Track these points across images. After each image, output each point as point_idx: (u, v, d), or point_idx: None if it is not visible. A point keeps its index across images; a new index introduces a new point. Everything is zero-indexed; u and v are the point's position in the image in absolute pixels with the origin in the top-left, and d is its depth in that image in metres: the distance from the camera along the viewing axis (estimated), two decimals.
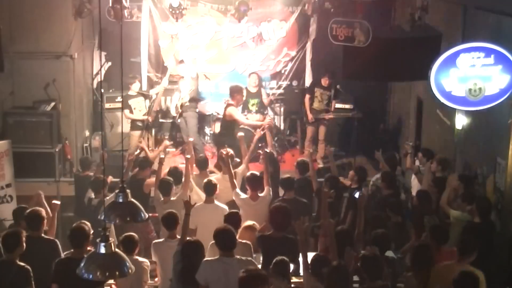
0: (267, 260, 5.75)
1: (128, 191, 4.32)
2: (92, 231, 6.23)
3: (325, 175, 10.19)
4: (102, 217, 4.23)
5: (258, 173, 7.78)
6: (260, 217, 7.15)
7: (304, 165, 8.40)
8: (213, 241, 6.42)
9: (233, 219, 6.47)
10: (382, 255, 5.95)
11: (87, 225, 6.20)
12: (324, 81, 11.33)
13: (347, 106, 12.10)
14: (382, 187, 8.13)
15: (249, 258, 5.85)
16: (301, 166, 8.41)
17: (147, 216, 4.36)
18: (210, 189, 7.39)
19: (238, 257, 5.76)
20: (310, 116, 11.42)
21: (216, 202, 7.41)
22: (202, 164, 8.49)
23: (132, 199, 4.32)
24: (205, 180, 7.55)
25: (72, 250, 5.97)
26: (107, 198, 6.32)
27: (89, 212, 7.43)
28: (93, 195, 7.92)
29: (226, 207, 7.34)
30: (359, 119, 11.07)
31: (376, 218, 7.01)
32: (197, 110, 11.53)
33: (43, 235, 6.43)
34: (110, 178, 8.07)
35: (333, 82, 11.36)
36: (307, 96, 11.47)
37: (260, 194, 7.55)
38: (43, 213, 6.47)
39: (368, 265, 5.57)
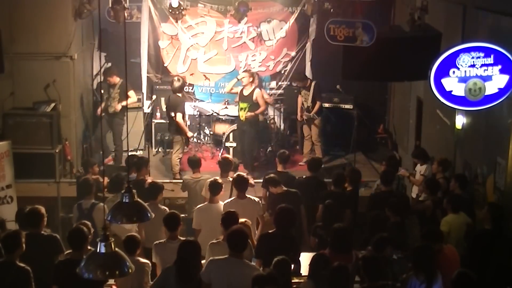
0: (268, 258, 5.76)
1: (134, 191, 4.33)
2: (92, 230, 6.26)
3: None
4: (109, 218, 4.24)
5: (244, 175, 7.79)
6: (248, 215, 7.12)
7: (316, 163, 8.56)
8: (213, 241, 6.46)
9: (230, 218, 6.48)
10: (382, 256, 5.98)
11: (87, 225, 6.21)
12: (298, 83, 11.44)
13: (347, 106, 12.13)
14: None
15: (256, 266, 5.89)
16: (312, 164, 8.58)
17: (153, 215, 4.38)
18: (215, 188, 7.41)
19: (245, 261, 5.80)
20: (299, 115, 11.49)
21: (220, 202, 7.41)
22: (194, 164, 8.47)
23: (138, 199, 4.34)
24: (211, 179, 7.56)
25: (70, 251, 5.98)
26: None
27: (83, 217, 7.20)
28: (82, 200, 7.56)
29: None
30: (359, 119, 11.06)
31: (375, 218, 7.02)
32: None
33: (43, 232, 6.45)
34: (106, 179, 8.05)
35: (310, 82, 11.34)
36: (300, 97, 11.50)
37: (248, 196, 7.56)
38: (43, 210, 6.49)
39: (368, 266, 5.58)
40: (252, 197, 7.54)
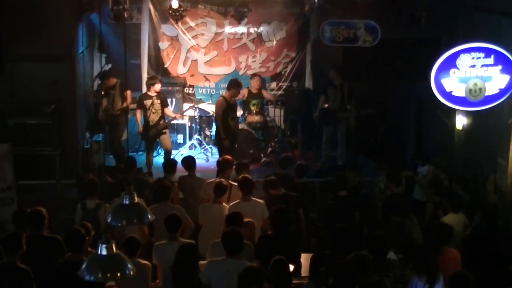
0: (267, 259, 5.76)
1: (134, 193, 4.32)
2: (93, 232, 6.25)
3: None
4: (109, 220, 4.23)
5: (249, 176, 7.73)
6: (253, 218, 7.10)
7: (286, 161, 8.47)
8: (214, 240, 6.47)
9: (234, 219, 6.47)
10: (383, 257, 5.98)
11: (85, 226, 6.21)
12: (333, 76, 10.91)
13: (347, 107, 12.11)
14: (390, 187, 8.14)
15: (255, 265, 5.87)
16: (284, 161, 8.50)
17: (153, 217, 4.38)
18: (219, 190, 7.40)
19: (244, 261, 5.79)
20: (315, 114, 11.37)
21: (224, 204, 7.41)
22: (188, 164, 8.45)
23: (139, 201, 4.34)
24: (216, 181, 7.57)
25: (69, 254, 5.99)
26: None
27: (88, 217, 7.23)
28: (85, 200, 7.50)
29: None
30: (359, 120, 11.07)
31: (373, 219, 7.03)
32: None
33: (44, 233, 6.46)
34: (109, 179, 8.05)
35: (345, 81, 11.20)
36: (322, 97, 11.31)
37: (253, 198, 7.52)
38: (44, 211, 6.50)
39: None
40: (258, 200, 7.50)
